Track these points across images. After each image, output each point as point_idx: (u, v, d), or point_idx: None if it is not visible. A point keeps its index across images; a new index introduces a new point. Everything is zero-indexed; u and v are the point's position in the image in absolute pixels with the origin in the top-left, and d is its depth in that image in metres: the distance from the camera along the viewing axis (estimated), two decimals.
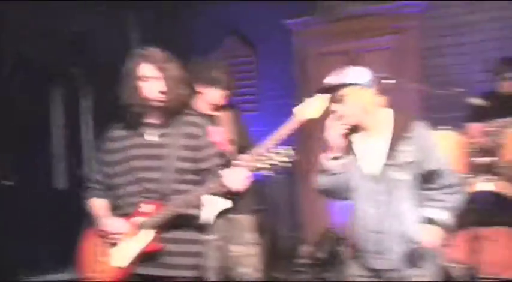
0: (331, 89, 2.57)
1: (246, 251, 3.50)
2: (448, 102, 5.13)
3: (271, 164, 2.39)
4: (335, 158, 2.59)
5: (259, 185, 3.04)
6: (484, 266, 3.86)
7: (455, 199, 2.55)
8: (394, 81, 4.18)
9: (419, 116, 5.20)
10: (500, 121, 4.27)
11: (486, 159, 4.11)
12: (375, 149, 2.56)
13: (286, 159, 2.40)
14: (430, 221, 2.48)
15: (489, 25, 5.33)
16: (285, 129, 2.60)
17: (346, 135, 2.61)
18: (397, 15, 5.48)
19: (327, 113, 2.62)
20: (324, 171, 2.63)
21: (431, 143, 2.57)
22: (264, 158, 2.41)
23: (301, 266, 5.10)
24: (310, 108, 2.61)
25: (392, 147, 2.52)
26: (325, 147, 2.62)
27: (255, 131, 3.52)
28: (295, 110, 2.63)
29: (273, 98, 6.11)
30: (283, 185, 5.69)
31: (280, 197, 5.78)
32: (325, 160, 2.61)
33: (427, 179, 2.54)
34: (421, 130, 2.56)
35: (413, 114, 2.68)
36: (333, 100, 2.57)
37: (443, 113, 5.23)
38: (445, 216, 2.49)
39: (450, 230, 2.51)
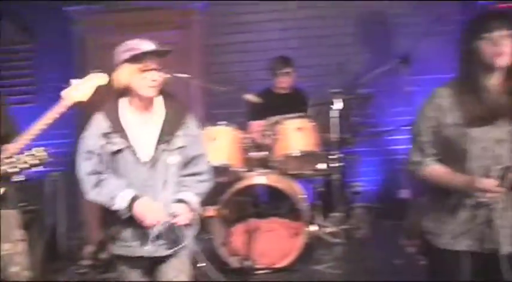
0: (147, 56, 2.54)
1: (14, 248, 3.20)
2: (229, 99, 5.29)
3: (21, 168, 2.20)
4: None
5: (32, 180, 2.81)
6: (261, 256, 4.02)
7: (204, 186, 2.69)
8: (178, 76, 4.20)
9: (201, 112, 5.44)
10: (275, 118, 4.48)
11: (261, 154, 4.28)
12: (148, 134, 2.60)
13: (38, 162, 2.23)
14: (180, 202, 2.59)
15: (271, 25, 5.60)
16: (52, 114, 2.56)
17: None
18: (182, 10, 5.50)
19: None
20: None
21: (197, 131, 2.71)
22: (14, 160, 2.20)
23: (84, 267, 4.86)
24: (78, 91, 2.61)
25: (165, 133, 2.58)
26: None
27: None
28: (63, 93, 2.59)
29: (52, 89, 5.68)
30: (64, 182, 5.36)
31: (61, 195, 5.44)
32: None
33: (186, 165, 2.66)
34: (190, 118, 2.68)
35: (185, 103, 2.76)
36: (149, 67, 2.54)
37: (224, 109, 5.40)
38: (194, 200, 2.61)
39: (197, 212, 2.64)
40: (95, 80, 2.75)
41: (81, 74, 5.09)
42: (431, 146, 2.34)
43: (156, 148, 2.57)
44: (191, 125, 2.68)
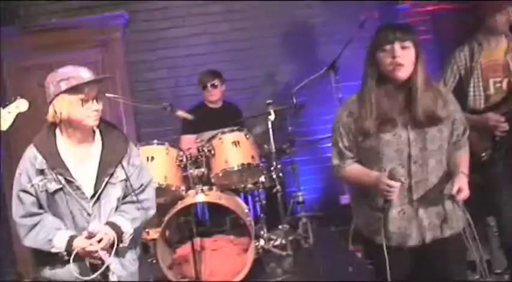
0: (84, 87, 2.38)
1: None
2: (160, 117, 5.13)
3: None
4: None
5: None
6: (211, 276, 3.87)
7: (146, 214, 2.59)
8: (106, 96, 4.04)
9: (132, 131, 5.24)
10: (209, 133, 4.37)
11: (198, 171, 4.15)
12: (89, 168, 2.47)
13: None
14: (109, 223, 2.46)
15: (197, 40, 5.49)
16: None
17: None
18: (101, 28, 5.31)
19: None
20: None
21: (139, 161, 2.60)
22: None
23: None
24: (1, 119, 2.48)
25: (106, 165, 2.46)
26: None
27: None
28: None
29: None
30: None
31: None
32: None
33: (128, 194, 2.56)
34: (131, 148, 2.58)
35: (122, 129, 2.65)
36: (92, 97, 2.40)
37: (156, 127, 5.23)
38: (124, 225, 2.48)
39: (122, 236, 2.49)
40: (17, 107, 2.61)
41: None
42: (349, 150, 2.47)
43: (99, 182, 2.44)
44: (133, 154, 2.56)
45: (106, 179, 2.44)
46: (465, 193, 2.35)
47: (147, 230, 4.14)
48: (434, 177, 2.40)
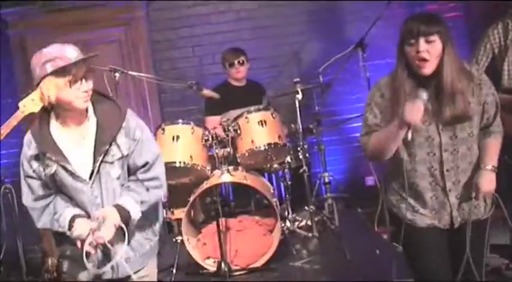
0: (71, 67, 2.23)
1: None
2: (184, 96, 5.09)
3: None
4: None
5: None
6: (236, 257, 3.83)
7: (154, 194, 2.44)
8: (130, 74, 4.01)
9: (157, 110, 5.20)
10: (235, 112, 4.31)
11: (224, 151, 4.09)
12: (85, 149, 2.35)
13: None
14: (117, 207, 2.34)
15: (221, 18, 5.41)
16: (9, 125, 2.38)
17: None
18: (124, 6, 5.24)
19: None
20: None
21: (140, 134, 2.40)
22: None
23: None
24: (33, 101, 2.30)
25: (100, 143, 2.33)
26: None
27: None
28: (20, 104, 2.32)
29: None
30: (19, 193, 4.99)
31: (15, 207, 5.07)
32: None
33: (134, 171, 2.42)
34: (130, 120, 2.40)
35: (121, 102, 2.46)
36: (80, 77, 2.26)
37: (180, 107, 5.19)
38: (133, 208, 2.36)
39: (130, 221, 2.37)
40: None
41: (23, 77, 4.96)
42: (379, 128, 2.43)
43: (95, 162, 2.32)
44: (132, 127, 2.38)
45: (100, 158, 2.31)
46: (489, 190, 2.40)
47: (172, 209, 4.12)
48: (466, 164, 2.42)
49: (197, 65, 5.42)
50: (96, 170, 2.32)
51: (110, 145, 2.32)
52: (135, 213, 2.35)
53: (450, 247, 2.51)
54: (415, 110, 2.22)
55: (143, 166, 2.40)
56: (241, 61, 4.62)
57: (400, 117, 2.24)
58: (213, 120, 4.53)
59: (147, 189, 2.40)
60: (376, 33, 4.56)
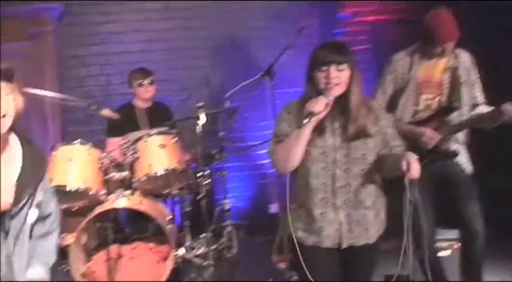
0: None
1: None
2: (88, 115, 4.91)
3: None
4: None
5: None
6: None
7: (52, 248, 2.29)
8: (31, 91, 3.80)
9: (57, 129, 5.01)
10: (135, 134, 4.20)
11: (121, 175, 3.97)
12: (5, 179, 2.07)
13: None
14: None
15: (133, 37, 5.31)
16: None
17: None
18: (33, 19, 5.07)
19: None
20: None
21: (50, 185, 2.30)
22: None
23: None
24: None
25: (24, 185, 2.08)
26: None
27: None
28: None
29: None
30: None
31: None
32: None
33: (38, 223, 2.20)
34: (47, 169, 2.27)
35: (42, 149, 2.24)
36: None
37: (83, 126, 5.02)
38: (42, 274, 2.23)
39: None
40: None
41: None
42: (284, 136, 2.54)
43: (15, 198, 2.07)
44: (47, 177, 2.23)
45: (17, 198, 2.07)
46: (415, 168, 2.35)
47: (63, 235, 3.94)
48: (358, 185, 2.51)
49: (105, 84, 5.28)
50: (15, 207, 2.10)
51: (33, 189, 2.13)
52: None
53: (342, 268, 2.58)
54: (317, 101, 2.38)
55: (47, 217, 2.26)
56: (150, 81, 4.54)
57: (302, 113, 2.39)
58: (114, 142, 4.40)
59: (48, 246, 2.27)
60: (287, 61, 4.60)
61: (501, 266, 4.09)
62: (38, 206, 2.17)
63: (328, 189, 2.49)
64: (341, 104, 2.48)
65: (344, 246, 2.52)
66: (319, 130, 2.47)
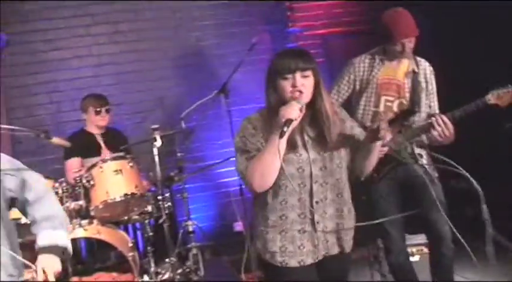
0: None
1: None
2: (39, 145, 4.76)
3: None
4: None
5: None
6: None
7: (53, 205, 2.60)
8: None
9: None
10: (89, 160, 4.08)
11: (76, 204, 3.82)
12: None
13: None
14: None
15: (83, 62, 5.19)
16: None
17: None
18: None
19: None
20: None
21: None
22: None
23: None
24: None
25: None
26: None
27: None
28: None
29: None
30: None
31: None
32: None
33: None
34: None
35: None
36: None
37: (35, 157, 4.84)
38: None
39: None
40: None
41: None
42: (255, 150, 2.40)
43: None
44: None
45: None
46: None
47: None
48: (334, 195, 2.45)
49: (55, 112, 5.11)
50: None
51: None
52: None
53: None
54: (292, 107, 2.26)
55: None
56: (107, 109, 4.42)
57: (276, 122, 2.25)
58: (73, 163, 4.25)
59: None
60: (240, 78, 4.56)
61: (471, 266, 4.09)
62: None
63: (306, 205, 2.39)
64: (310, 113, 2.39)
65: (320, 257, 2.45)
66: (290, 145, 2.35)
